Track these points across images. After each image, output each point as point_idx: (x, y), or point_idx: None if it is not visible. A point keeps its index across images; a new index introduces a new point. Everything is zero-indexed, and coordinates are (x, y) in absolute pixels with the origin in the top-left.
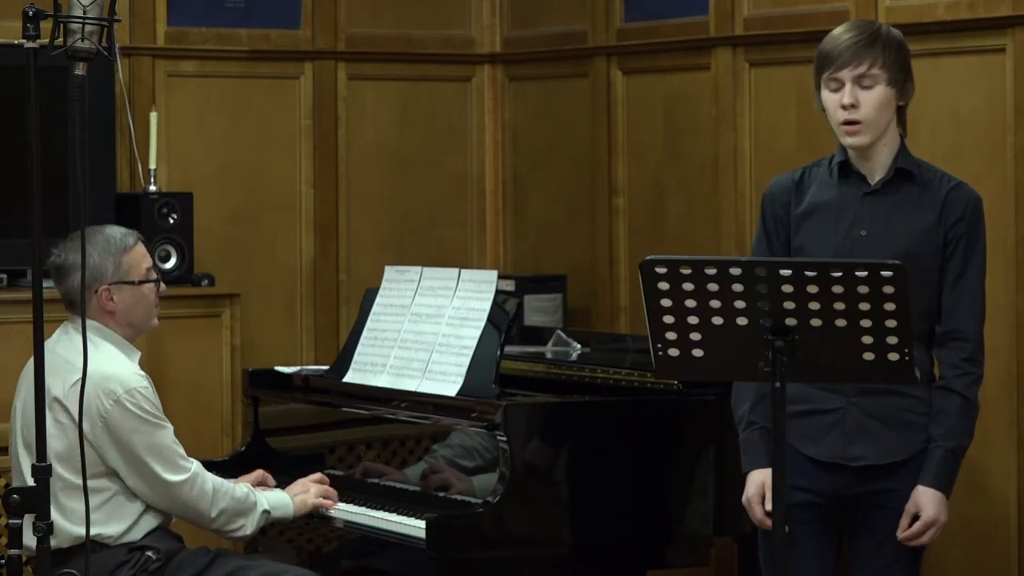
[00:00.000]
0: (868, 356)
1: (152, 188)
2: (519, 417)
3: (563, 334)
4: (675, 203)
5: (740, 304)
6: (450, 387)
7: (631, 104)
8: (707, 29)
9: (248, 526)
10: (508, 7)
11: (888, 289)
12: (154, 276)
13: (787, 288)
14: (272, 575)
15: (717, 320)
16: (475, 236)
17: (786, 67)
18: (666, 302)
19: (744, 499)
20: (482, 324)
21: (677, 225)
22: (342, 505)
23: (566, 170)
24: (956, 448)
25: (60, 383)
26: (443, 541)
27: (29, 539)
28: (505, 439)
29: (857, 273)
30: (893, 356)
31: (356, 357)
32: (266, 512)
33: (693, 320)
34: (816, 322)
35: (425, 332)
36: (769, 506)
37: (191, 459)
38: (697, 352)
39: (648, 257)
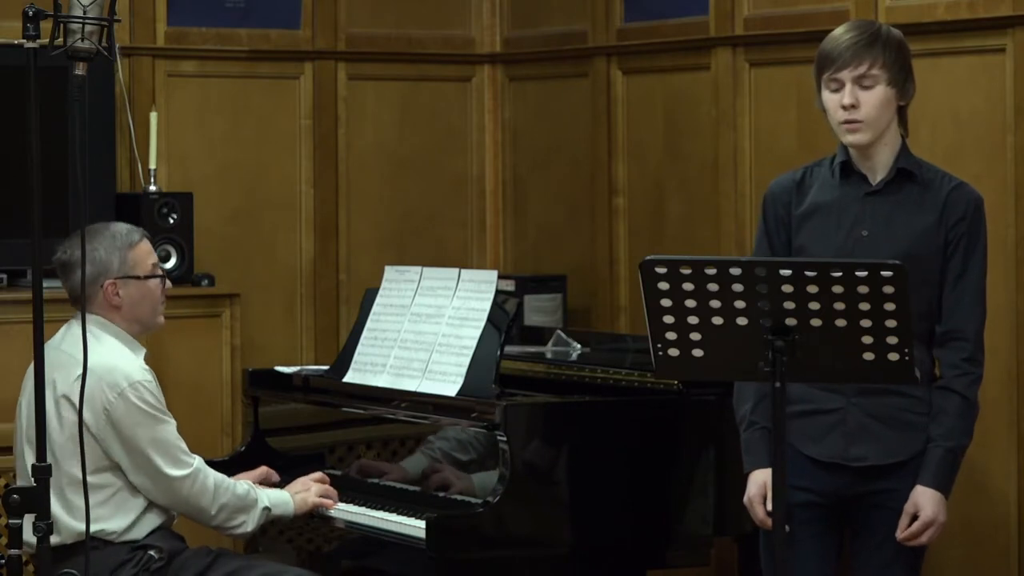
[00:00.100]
0: (868, 356)
1: (152, 188)
2: (519, 417)
3: (563, 334)
4: (675, 203)
5: (740, 304)
6: (450, 387)
7: (631, 104)
8: (707, 29)
9: (249, 523)
10: (508, 7)
11: (888, 289)
12: (160, 272)
13: (787, 288)
14: (272, 575)
15: (717, 320)
16: (475, 236)
17: (786, 67)
18: (666, 302)
19: (745, 499)
20: (482, 324)
21: (677, 225)
22: (342, 505)
23: (566, 170)
24: (956, 448)
25: (65, 378)
26: (443, 541)
27: (30, 536)
28: (505, 439)
29: (857, 273)
30: (893, 356)
31: (356, 357)
32: (267, 509)
33: (693, 320)
34: (816, 322)
35: (425, 332)
36: (770, 506)
37: (193, 455)
38: (697, 352)
39: (648, 257)
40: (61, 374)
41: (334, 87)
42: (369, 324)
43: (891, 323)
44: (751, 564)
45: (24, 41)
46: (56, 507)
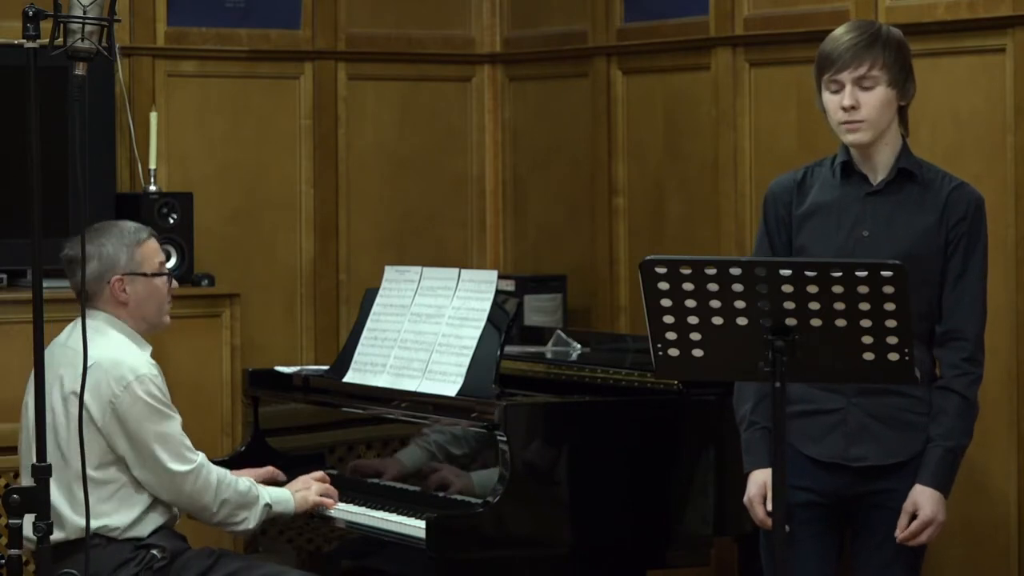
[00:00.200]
0: (868, 356)
1: (152, 188)
2: (519, 417)
3: (563, 334)
4: (675, 203)
5: (740, 304)
6: (450, 387)
7: (631, 104)
8: (707, 29)
9: (251, 520)
10: (508, 7)
11: (888, 289)
12: (167, 271)
13: (787, 288)
14: (272, 575)
15: (717, 320)
16: (475, 236)
17: (786, 67)
18: (666, 302)
19: (746, 499)
20: (482, 324)
21: (677, 225)
22: (342, 505)
23: (566, 170)
24: (955, 448)
25: (73, 374)
26: (443, 541)
27: (30, 532)
28: (505, 439)
29: (857, 273)
30: (893, 356)
31: (356, 357)
32: (268, 506)
33: (693, 320)
34: (816, 322)
35: (425, 332)
36: (770, 506)
37: (197, 452)
38: (697, 352)
39: (648, 257)
40: (69, 370)
41: (334, 87)
42: (369, 324)
43: (891, 323)
44: (751, 564)
45: (24, 41)
46: (61, 503)
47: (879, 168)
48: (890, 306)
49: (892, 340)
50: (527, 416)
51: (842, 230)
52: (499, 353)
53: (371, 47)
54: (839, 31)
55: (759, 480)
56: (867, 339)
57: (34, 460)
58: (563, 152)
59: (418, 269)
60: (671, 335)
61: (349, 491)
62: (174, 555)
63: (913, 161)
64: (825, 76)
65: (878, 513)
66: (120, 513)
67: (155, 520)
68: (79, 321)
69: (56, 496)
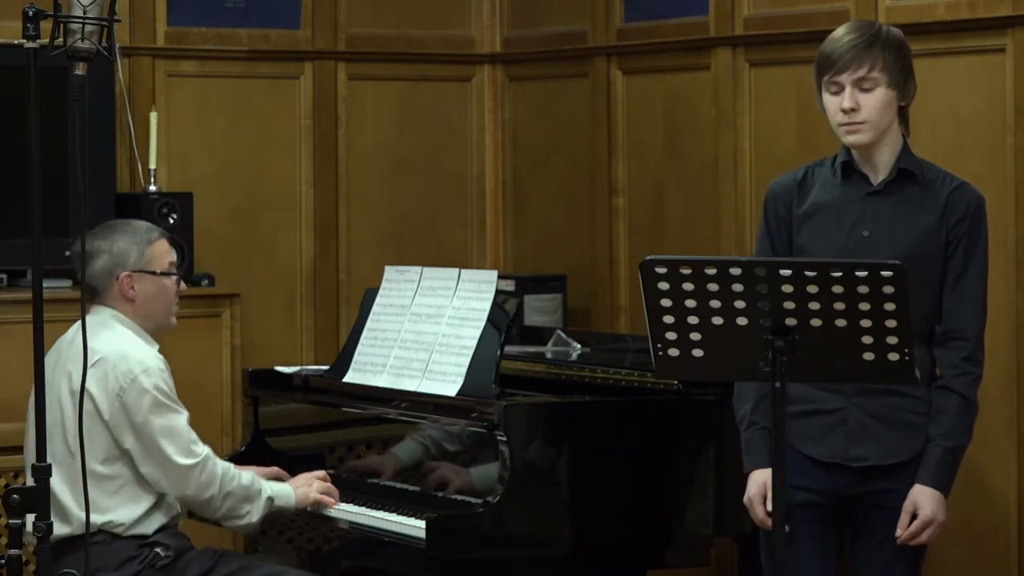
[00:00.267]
0: (868, 356)
1: (152, 188)
2: (519, 417)
3: (563, 334)
4: (675, 203)
5: (740, 304)
6: (450, 387)
7: (631, 104)
8: (707, 29)
9: (254, 513)
10: (508, 7)
11: (888, 289)
12: (176, 272)
13: (787, 288)
14: (273, 575)
15: (717, 320)
16: (475, 236)
17: (786, 67)
18: (666, 302)
19: (746, 499)
20: (482, 324)
21: (677, 225)
22: (342, 505)
23: (566, 170)
24: (955, 447)
25: (78, 370)
26: (443, 541)
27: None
28: (505, 439)
29: (857, 273)
30: (893, 356)
31: (356, 357)
32: (270, 499)
33: (693, 320)
34: (816, 322)
35: (425, 332)
36: (770, 506)
37: (203, 445)
38: (697, 352)
39: (648, 257)
40: (76, 366)
41: (334, 87)
42: (369, 324)
43: (891, 323)
44: (751, 564)
45: (24, 41)
46: (67, 498)
47: (880, 168)
48: (890, 306)
49: (892, 340)
50: (527, 416)
51: (842, 230)
52: (499, 353)
53: (371, 47)
54: (839, 32)
55: (759, 480)
56: (867, 339)
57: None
58: (563, 152)
59: (418, 269)
60: (671, 335)
61: (349, 491)
62: (178, 554)
63: (914, 161)
64: (825, 77)
65: (878, 513)
66: (125, 508)
67: (160, 519)
68: (87, 319)
69: (62, 491)
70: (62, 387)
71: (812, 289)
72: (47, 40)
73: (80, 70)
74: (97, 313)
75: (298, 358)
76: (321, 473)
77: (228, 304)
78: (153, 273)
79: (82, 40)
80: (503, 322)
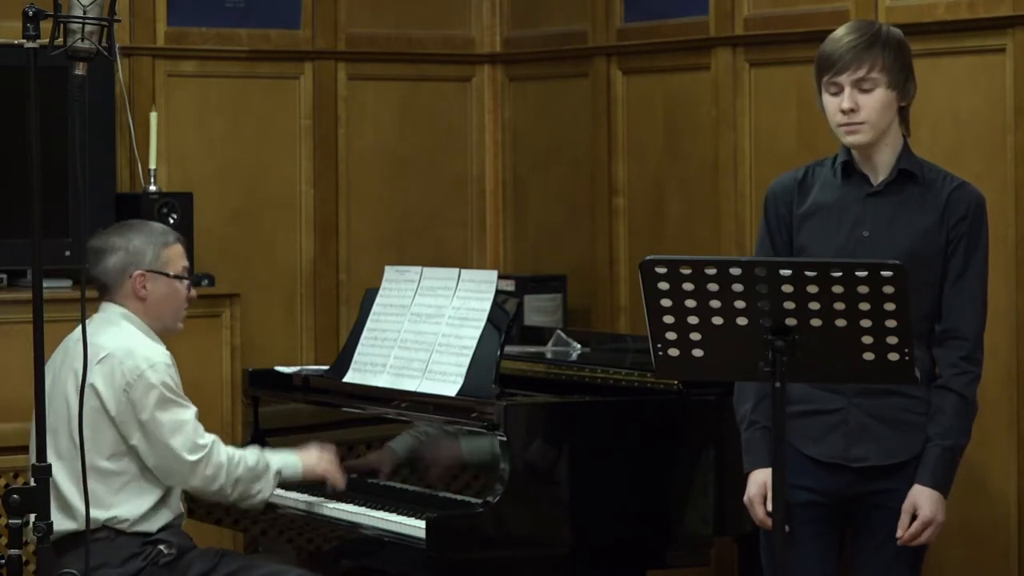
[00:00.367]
0: (868, 356)
1: (152, 188)
2: (519, 417)
3: (563, 334)
4: (675, 203)
5: (740, 304)
6: (450, 387)
7: (631, 104)
8: (707, 29)
9: (265, 490)
10: (508, 7)
11: (888, 289)
12: (189, 277)
13: (787, 288)
14: (273, 574)
15: (717, 320)
16: (475, 236)
17: (786, 67)
18: (666, 302)
19: (746, 499)
20: (482, 324)
21: (677, 225)
22: (342, 505)
23: (566, 170)
24: (954, 447)
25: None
26: (443, 541)
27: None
28: (505, 439)
29: (857, 273)
30: (893, 356)
31: (356, 357)
32: (278, 472)
33: (693, 320)
34: (816, 322)
35: (425, 332)
36: (771, 506)
37: (208, 436)
38: (697, 352)
39: (648, 257)
40: (81, 363)
41: (334, 87)
42: (369, 324)
43: (891, 323)
44: (751, 564)
45: (24, 41)
46: (73, 494)
47: (880, 168)
48: (890, 306)
49: (892, 340)
50: (527, 416)
51: (842, 230)
52: (499, 353)
53: (371, 47)
54: (839, 32)
55: (759, 480)
56: (867, 339)
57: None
58: (563, 152)
59: (418, 269)
60: (671, 335)
61: (349, 491)
62: (180, 552)
63: (914, 161)
64: (824, 78)
65: (878, 513)
66: (130, 504)
67: (164, 516)
68: (95, 316)
69: (68, 487)
70: (68, 384)
71: (812, 289)
72: (47, 40)
73: (80, 70)
74: (105, 310)
75: (298, 358)
76: (331, 447)
77: (228, 304)
78: (166, 275)
79: (82, 40)
80: (503, 322)
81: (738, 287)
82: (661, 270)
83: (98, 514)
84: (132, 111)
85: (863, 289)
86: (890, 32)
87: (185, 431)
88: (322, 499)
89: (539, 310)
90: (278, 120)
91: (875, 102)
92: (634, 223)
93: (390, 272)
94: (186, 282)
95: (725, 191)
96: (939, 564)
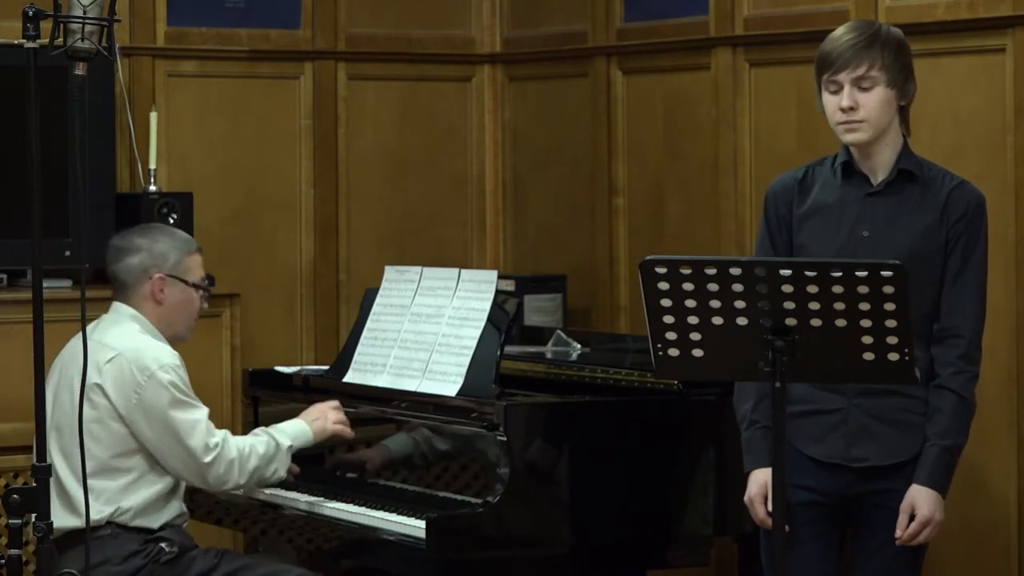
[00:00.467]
0: (868, 356)
1: (152, 188)
2: (519, 417)
3: (563, 334)
4: (675, 203)
5: (740, 304)
6: (450, 387)
7: (631, 104)
8: (707, 29)
9: (280, 469)
10: (508, 7)
11: (888, 289)
12: (206, 287)
13: (787, 288)
14: (273, 574)
15: (717, 320)
16: (475, 236)
17: (786, 67)
18: (666, 302)
19: (746, 498)
20: (482, 324)
21: (677, 225)
22: (342, 505)
23: (566, 170)
24: (952, 447)
25: (95, 365)
26: (443, 541)
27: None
28: (505, 439)
29: (857, 273)
30: (893, 356)
31: (356, 357)
32: (290, 447)
33: (693, 320)
34: (816, 322)
35: (425, 332)
36: (771, 506)
37: (218, 433)
38: (697, 352)
39: (648, 257)
40: (92, 361)
41: (334, 87)
42: (369, 324)
43: (891, 323)
44: (751, 564)
45: (24, 41)
46: (78, 491)
47: (879, 168)
48: (890, 306)
49: (892, 340)
50: (527, 416)
51: (842, 230)
52: (499, 353)
53: (371, 47)
54: (838, 31)
55: (760, 480)
56: (867, 339)
57: (51, 447)
58: (563, 152)
59: (418, 269)
60: (671, 335)
61: (349, 491)
62: (182, 550)
63: (914, 161)
64: (824, 76)
65: (879, 513)
66: (136, 496)
67: (167, 513)
68: (103, 317)
69: (73, 484)
70: (75, 382)
71: (812, 289)
72: (47, 40)
73: (80, 70)
74: (115, 311)
75: (298, 358)
76: (335, 403)
77: (228, 304)
78: (185, 282)
79: (82, 40)
80: (503, 322)
81: (738, 287)
82: (661, 270)
83: (103, 509)
84: (132, 111)
85: (863, 289)
86: (890, 31)
87: (198, 431)
88: (322, 499)
89: (539, 310)
90: (278, 120)
91: (874, 101)
92: (634, 223)
93: (390, 272)
94: (202, 292)
95: (725, 191)
96: (939, 564)
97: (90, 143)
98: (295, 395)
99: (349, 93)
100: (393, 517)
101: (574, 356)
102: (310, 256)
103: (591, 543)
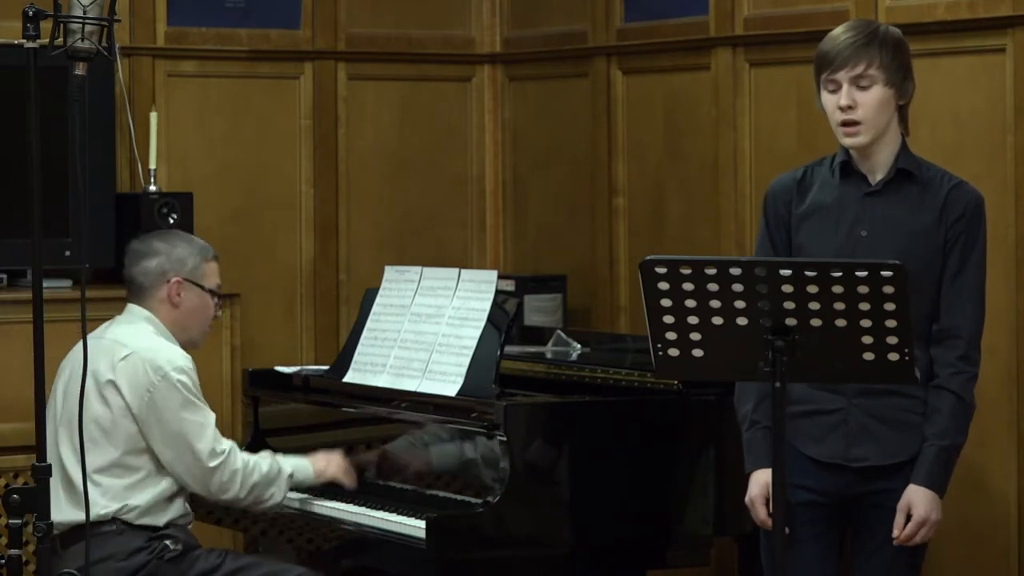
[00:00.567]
0: (868, 356)
1: (152, 188)
2: (519, 417)
3: (563, 334)
4: (675, 203)
5: (740, 304)
6: (450, 387)
7: (631, 104)
8: (707, 29)
9: (278, 494)
10: (508, 7)
11: (888, 289)
12: (220, 294)
13: (787, 288)
14: (274, 573)
15: (717, 320)
16: (475, 236)
17: (786, 67)
18: (666, 302)
19: (747, 499)
20: (482, 324)
21: (677, 225)
22: (342, 505)
23: (566, 170)
24: (950, 447)
25: (108, 364)
26: (443, 541)
27: (55, 515)
28: (505, 439)
29: (857, 273)
30: (893, 356)
31: (356, 357)
32: (290, 476)
33: (693, 320)
34: (816, 322)
35: (425, 332)
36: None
37: (225, 442)
38: (697, 352)
39: (648, 257)
40: (103, 361)
41: (334, 87)
42: (369, 324)
43: (891, 323)
44: (751, 564)
45: (24, 41)
46: (88, 487)
47: (878, 168)
48: (890, 306)
49: (892, 340)
50: (527, 416)
51: (841, 230)
52: (499, 353)
53: (371, 47)
54: (837, 31)
55: (761, 480)
56: (867, 339)
57: (63, 444)
58: (563, 152)
59: (418, 269)
60: (671, 335)
61: (349, 491)
62: (186, 549)
63: (912, 161)
64: (823, 75)
65: (878, 513)
66: (143, 494)
67: (172, 512)
68: (117, 317)
69: (80, 479)
70: (87, 382)
71: (812, 289)
72: (47, 40)
73: (80, 70)
74: (130, 312)
75: (298, 358)
76: (339, 452)
77: (228, 304)
78: (201, 287)
79: (82, 40)
80: (503, 322)
81: (738, 287)
82: (661, 270)
83: (109, 505)
84: (132, 111)
85: (863, 289)
86: (888, 31)
87: (207, 435)
88: (322, 499)
89: (539, 310)
90: (278, 120)
91: (872, 100)
92: (634, 223)
93: (390, 272)
94: (217, 300)
95: (725, 191)
96: (939, 564)
97: (90, 143)
98: (295, 395)
99: (349, 93)
100: (393, 517)
101: (574, 356)
102: (310, 256)
103: (591, 543)
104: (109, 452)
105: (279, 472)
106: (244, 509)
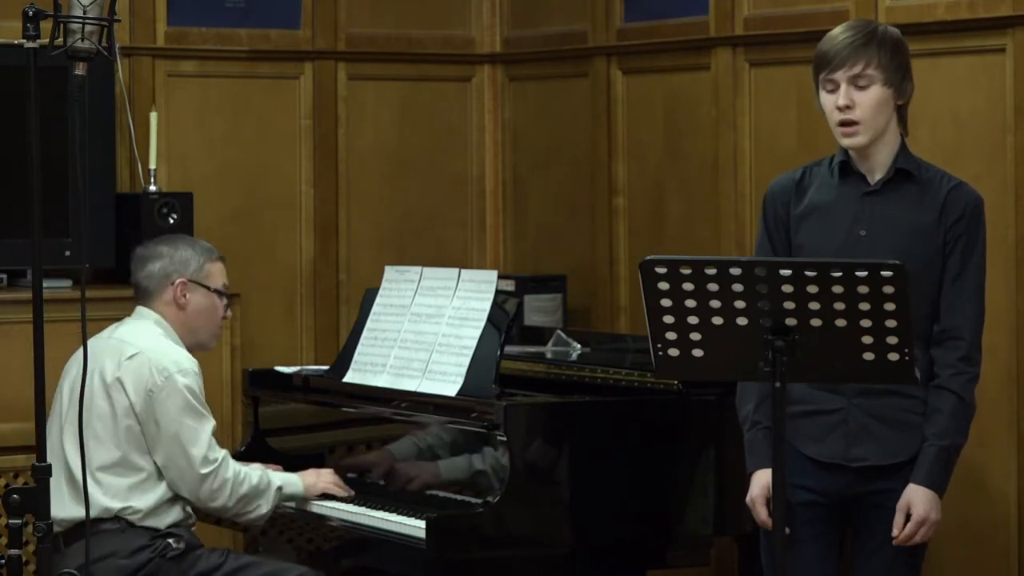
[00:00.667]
0: (868, 356)
1: (152, 188)
2: (519, 417)
3: (563, 334)
4: (675, 203)
5: (740, 304)
6: (450, 387)
7: (631, 104)
8: (707, 29)
9: (264, 506)
10: (508, 7)
11: (888, 289)
12: (227, 294)
13: (787, 288)
14: (276, 572)
15: (717, 320)
16: (475, 236)
17: (786, 67)
18: (666, 302)
19: (748, 499)
20: (482, 324)
21: (677, 225)
22: (342, 505)
23: (566, 170)
24: (950, 447)
25: (115, 362)
26: (443, 541)
27: (59, 512)
28: (505, 439)
29: (857, 273)
30: (893, 356)
31: (356, 357)
32: (279, 489)
33: (693, 320)
34: (816, 322)
35: (425, 332)
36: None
37: (220, 450)
38: (697, 352)
39: (648, 257)
40: (110, 361)
41: (334, 87)
42: (369, 324)
43: (891, 323)
44: (751, 564)
45: (24, 41)
46: (92, 485)
47: (877, 168)
48: (890, 306)
49: (892, 340)
50: (527, 416)
51: (840, 230)
52: (499, 353)
53: (371, 47)
54: (836, 30)
55: (762, 481)
56: (867, 339)
57: (67, 443)
58: (563, 152)
59: (418, 269)
60: (671, 335)
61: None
62: (188, 548)
63: (911, 161)
64: (821, 75)
65: (878, 513)
66: (146, 496)
67: (175, 514)
68: (126, 319)
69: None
70: (93, 378)
71: (812, 289)
72: (47, 40)
73: (80, 70)
74: (139, 314)
75: (298, 358)
76: (329, 470)
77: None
78: (207, 288)
79: (82, 40)
80: (503, 322)
81: (738, 287)
82: (661, 270)
83: (113, 504)
84: (132, 111)
85: (863, 289)
86: (887, 30)
87: (202, 441)
88: (322, 499)
89: (539, 310)
90: (278, 120)
91: (870, 99)
92: (634, 223)
93: (390, 272)
94: (224, 299)
95: (725, 191)
96: (939, 564)
97: (90, 143)
98: (295, 395)
99: (349, 93)
100: (393, 517)
101: (574, 356)
102: (310, 256)
103: (591, 543)
104: (113, 451)
105: (268, 485)
106: (231, 519)
